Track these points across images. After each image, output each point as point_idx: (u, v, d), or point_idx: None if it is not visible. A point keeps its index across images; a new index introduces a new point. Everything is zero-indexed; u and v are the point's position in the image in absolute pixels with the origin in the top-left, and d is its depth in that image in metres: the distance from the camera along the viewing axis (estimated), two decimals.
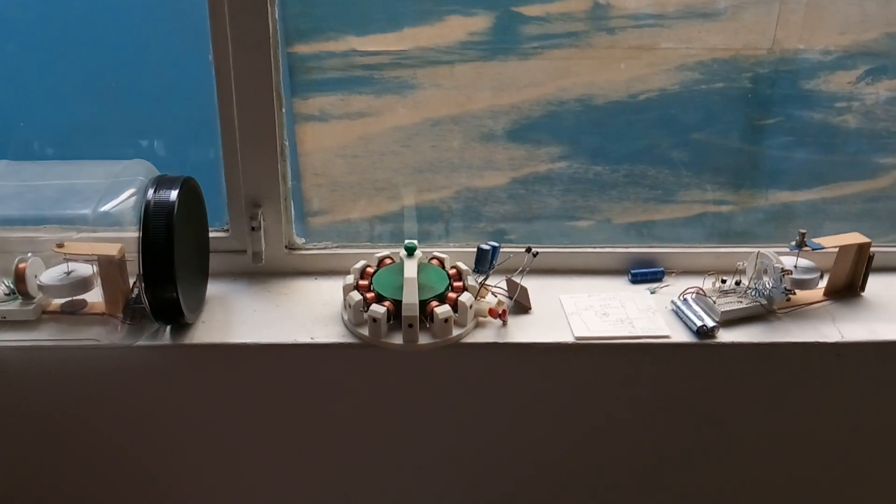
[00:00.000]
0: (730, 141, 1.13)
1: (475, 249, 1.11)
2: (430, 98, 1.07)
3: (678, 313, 1.13)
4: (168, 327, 1.05)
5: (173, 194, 0.98)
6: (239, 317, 1.09)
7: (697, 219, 1.18)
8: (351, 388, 1.09)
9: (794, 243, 1.13)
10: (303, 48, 1.05)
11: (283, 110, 1.12)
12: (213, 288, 1.15)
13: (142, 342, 1.02)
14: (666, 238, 1.20)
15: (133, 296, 1.04)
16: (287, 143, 1.14)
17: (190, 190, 1.03)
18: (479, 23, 1.06)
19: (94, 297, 1.06)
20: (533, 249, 1.12)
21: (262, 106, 1.09)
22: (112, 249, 1.01)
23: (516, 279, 1.13)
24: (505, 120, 1.09)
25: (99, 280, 1.03)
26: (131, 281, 1.05)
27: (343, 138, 1.09)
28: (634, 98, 1.08)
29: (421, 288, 1.05)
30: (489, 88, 1.07)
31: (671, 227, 1.19)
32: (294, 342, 1.04)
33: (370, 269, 1.13)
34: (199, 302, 1.10)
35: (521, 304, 1.13)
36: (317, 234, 1.17)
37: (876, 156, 1.19)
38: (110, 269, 1.01)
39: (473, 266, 1.13)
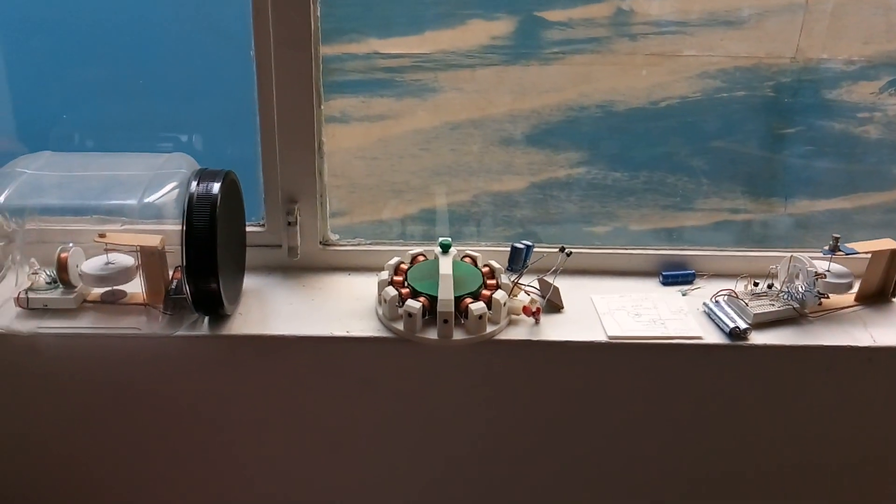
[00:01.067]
0: (750, 149, 1.13)
1: (501, 250, 1.10)
2: (451, 101, 1.07)
3: (710, 315, 1.13)
4: (207, 318, 1.06)
5: (216, 187, 0.99)
6: (275, 309, 1.10)
7: (716, 227, 1.18)
8: (385, 381, 1.10)
9: (827, 248, 1.13)
10: (325, 50, 1.05)
11: (322, 108, 1.13)
12: (249, 281, 1.16)
13: (181, 332, 1.03)
14: (683, 245, 1.21)
15: (173, 287, 1.04)
16: (324, 140, 1.15)
17: (231, 183, 1.05)
18: (502, 27, 1.05)
19: (134, 287, 1.07)
20: (567, 249, 1.12)
21: (302, 102, 1.10)
22: (153, 241, 1.02)
23: (549, 279, 1.14)
24: (525, 124, 1.09)
25: (140, 271, 1.04)
26: (171, 272, 1.06)
27: (363, 140, 1.09)
28: (655, 105, 1.07)
29: (455, 284, 1.05)
30: (510, 93, 1.07)
31: (689, 235, 1.20)
32: (330, 335, 1.05)
33: (404, 266, 1.14)
34: (236, 294, 1.11)
35: (553, 304, 1.13)
36: (336, 234, 1.18)
37: None
38: (151, 259, 1.03)
39: (507, 265, 1.14)
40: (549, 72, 1.06)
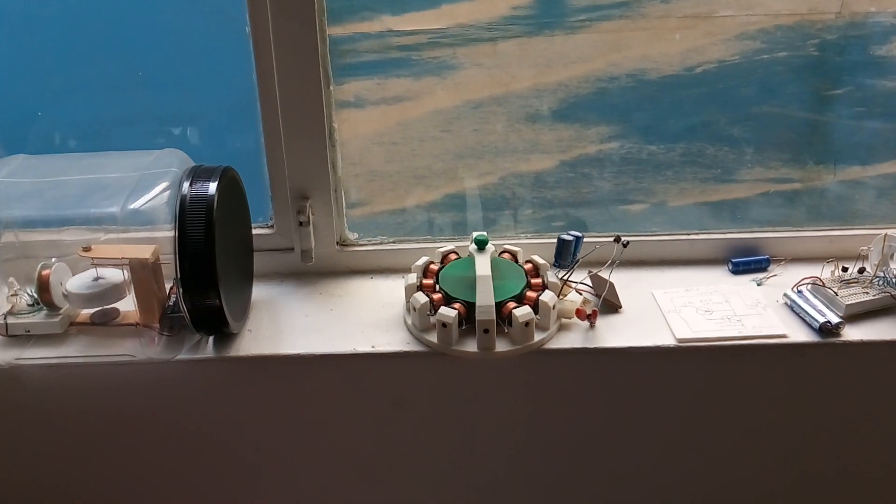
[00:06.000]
0: (794, 114, 1.06)
1: (543, 242, 1.00)
2: (472, 78, 1.01)
3: (793, 308, 0.99)
4: (211, 338, 0.93)
5: (212, 187, 0.86)
6: (289, 324, 0.98)
7: (760, 198, 1.10)
8: (418, 401, 0.97)
9: None
10: (336, 30, 0.97)
11: (331, 89, 0.99)
12: (259, 291, 1.03)
13: (182, 356, 0.91)
14: (725, 220, 1.10)
15: (170, 303, 0.91)
16: (336, 127, 1.01)
17: (230, 181, 0.91)
18: None
19: (128, 304, 0.94)
20: (623, 239, 0.97)
21: (307, 84, 0.97)
22: (144, 252, 0.89)
23: (603, 274, 0.98)
24: (551, 99, 1.03)
25: (132, 287, 0.91)
26: (168, 286, 0.92)
27: (380, 125, 1.03)
28: (691, 71, 1.02)
29: (496, 287, 0.91)
30: (534, 66, 1.01)
31: (731, 208, 1.11)
32: (353, 352, 0.92)
33: (434, 267, 1.00)
34: (243, 308, 0.98)
35: (609, 303, 0.98)
36: (356, 226, 1.09)
37: None
38: (143, 274, 0.90)
39: (553, 260, 0.99)
40: (576, 41, 1.00)
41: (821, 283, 1.00)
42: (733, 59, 1.01)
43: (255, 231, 1.03)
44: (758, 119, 1.05)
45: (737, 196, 1.09)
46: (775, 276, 1.06)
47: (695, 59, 1.02)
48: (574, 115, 1.04)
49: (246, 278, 1.00)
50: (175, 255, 0.83)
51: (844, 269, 1.01)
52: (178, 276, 0.83)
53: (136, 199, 0.85)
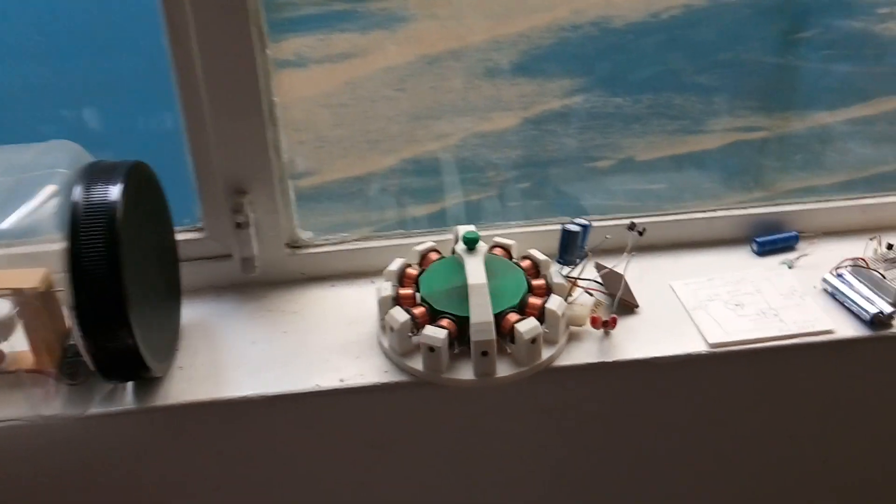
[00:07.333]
0: (763, 59, 1.01)
1: (538, 230, 0.87)
2: (425, 31, 0.94)
3: (835, 296, 0.85)
4: (130, 384, 0.72)
5: (114, 190, 0.65)
6: (232, 355, 0.78)
7: (730, 148, 1.04)
8: (403, 444, 0.80)
9: None
10: None
11: (267, 52, 0.78)
12: (190, 312, 0.83)
13: (93, 410, 0.71)
14: (694, 172, 1.02)
15: (71, 342, 0.70)
16: (277, 101, 0.81)
17: (141, 180, 0.71)
18: None
19: (19, 344, 0.73)
20: (638, 226, 0.80)
21: (236, 44, 0.76)
22: (31, 279, 0.68)
23: (618, 269, 0.82)
24: (512, 51, 0.97)
25: (21, 322, 0.70)
26: (69, 318, 0.71)
27: (326, 85, 0.94)
28: (656, 17, 0.97)
29: (492, 296, 0.73)
30: (492, 16, 0.95)
31: (701, 161, 1.03)
32: (316, 389, 0.74)
33: (412, 271, 0.81)
34: (170, 340, 0.77)
35: (625, 303, 0.82)
36: (305, 199, 0.94)
37: None
38: (32, 307, 0.68)
39: (557, 255, 0.82)
40: None
41: (864, 265, 0.86)
42: (700, 3, 0.95)
43: (180, 236, 0.82)
44: (726, 66, 0.99)
45: (705, 147, 1.01)
46: (806, 255, 0.92)
47: (660, 4, 0.95)
48: (536, 67, 0.96)
49: (170, 299, 0.79)
50: (68, 284, 0.62)
51: (889, 247, 0.88)
52: (74, 312, 0.62)
53: (7, 215, 0.63)
